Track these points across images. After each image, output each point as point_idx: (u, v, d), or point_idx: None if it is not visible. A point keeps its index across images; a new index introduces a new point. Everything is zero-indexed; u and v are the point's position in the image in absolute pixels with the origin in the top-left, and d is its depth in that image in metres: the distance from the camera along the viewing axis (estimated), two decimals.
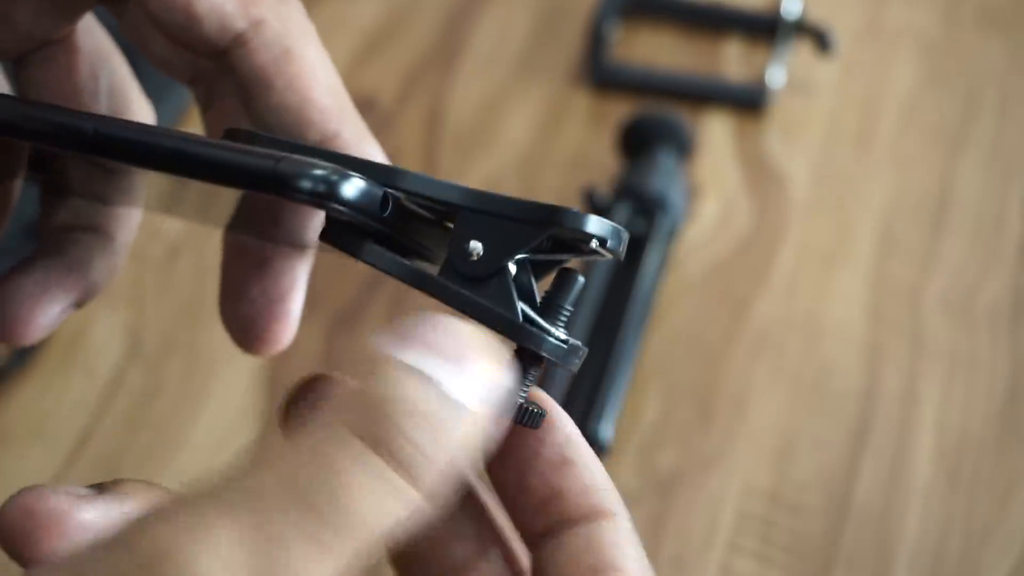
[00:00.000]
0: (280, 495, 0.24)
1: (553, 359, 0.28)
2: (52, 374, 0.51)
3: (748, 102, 0.61)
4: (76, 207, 0.35)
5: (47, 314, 0.33)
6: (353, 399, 0.24)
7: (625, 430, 0.50)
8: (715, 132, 0.61)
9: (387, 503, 0.23)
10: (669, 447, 0.49)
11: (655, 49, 0.64)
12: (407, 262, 0.29)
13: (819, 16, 0.64)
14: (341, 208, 0.28)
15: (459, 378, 0.24)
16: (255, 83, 0.33)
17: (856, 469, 0.49)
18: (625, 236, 0.29)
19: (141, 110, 0.36)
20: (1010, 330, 0.54)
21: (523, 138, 0.60)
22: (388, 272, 0.29)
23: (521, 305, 0.28)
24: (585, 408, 0.48)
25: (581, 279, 0.29)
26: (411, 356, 0.24)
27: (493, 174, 0.58)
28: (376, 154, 0.34)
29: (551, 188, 0.58)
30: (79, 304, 0.34)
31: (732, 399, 0.51)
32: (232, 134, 0.31)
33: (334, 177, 0.28)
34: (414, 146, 0.60)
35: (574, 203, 0.57)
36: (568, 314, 0.29)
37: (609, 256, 0.28)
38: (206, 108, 0.35)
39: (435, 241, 0.31)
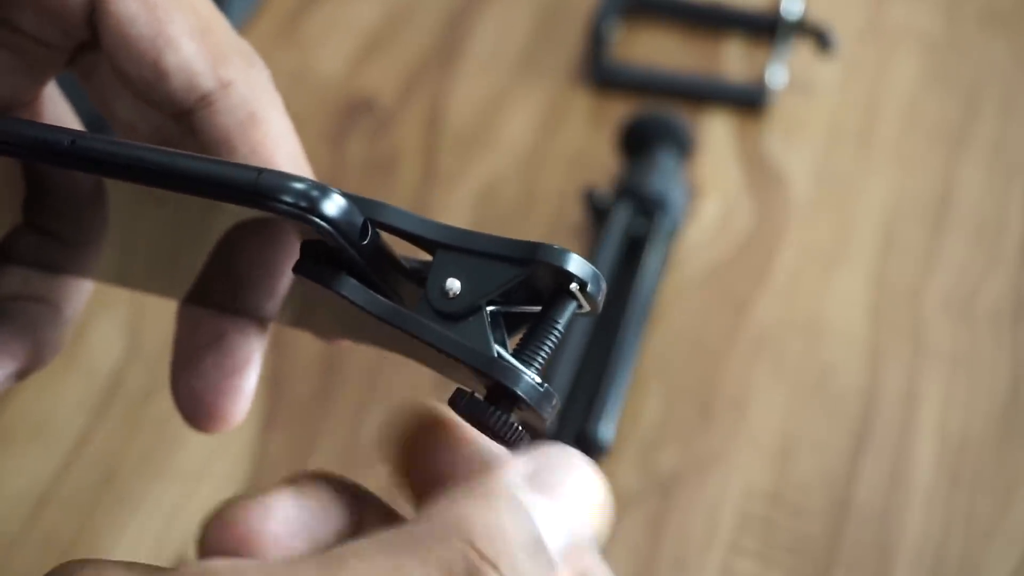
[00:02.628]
0: None
1: (527, 399, 0.28)
2: (52, 374, 0.51)
3: (748, 102, 0.61)
4: (25, 276, 0.34)
5: None
6: (475, 521, 0.26)
7: (625, 430, 0.49)
8: (715, 132, 0.61)
9: None
10: (669, 447, 0.49)
11: (655, 49, 0.64)
12: (382, 298, 0.29)
13: (820, 16, 0.64)
14: (321, 223, 0.27)
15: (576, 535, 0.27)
16: (218, 147, 0.32)
17: (857, 469, 0.49)
18: (603, 284, 0.28)
19: None
20: (1011, 330, 0.53)
21: (523, 138, 0.60)
22: (363, 308, 0.29)
23: (497, 348, 0.28)
24: (585, 408, 0.48)
25: (558, 329, 0.28)
26: (542, 505, 0.27)
27: (493, 174, 0.58)
28: None
29: (551, 188, 0.58)
30: (21, 375, 0.33)
31: (732, 399, 0.51)
32: None
33: (315, 192, 0.27)
34: (414, 146, 0.60)
35: (574, 203, 0.57)
36: (542, 361, 0.28)
37: (586, 308, 0.28)
38: None
39: (408, 293, 0.30)
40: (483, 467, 0.29)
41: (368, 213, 0.29)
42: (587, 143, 0.60)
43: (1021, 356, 0.53)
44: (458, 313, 0.28)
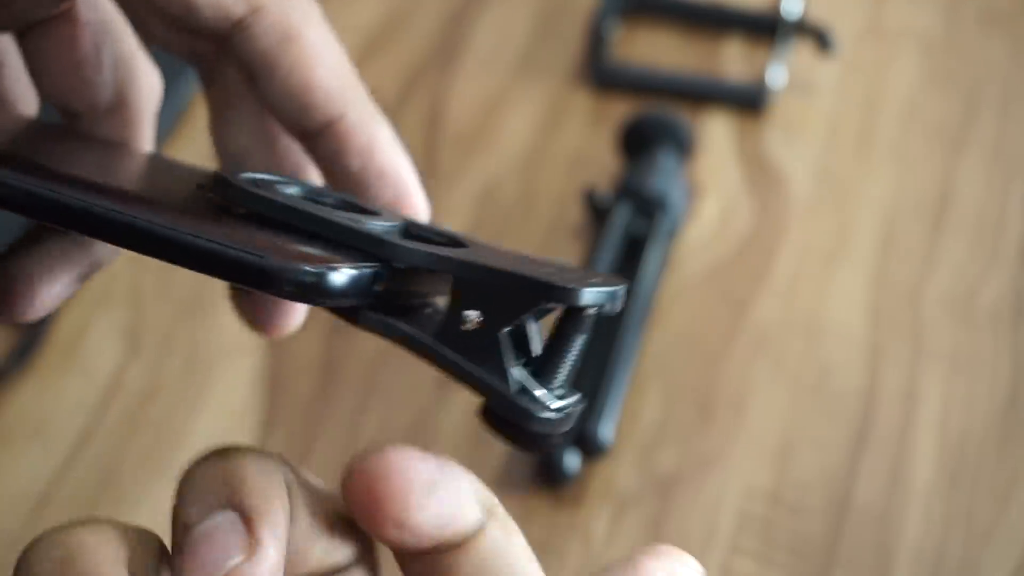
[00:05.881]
0: None
1: (542, 432, 0.29)
2: (51, 374, 0.51)
3: (748, 102, 0.61)
4: None
5: (51, 290, 0.32)
6: None
7: (625, 430, 0.49)
8: (715, 132, 0.61)
9: None
10: (669, 447, 0.49)
11: (655, 49, 0.64)
12: (404, 325, 0.29)
13: (820, 16, 0.64)
14: (330, 302, 0.28)
15: None
16: (257, 68, 0.32)
17: (857, 469, 0.49)
18: (622, 294, 0.29)
19: (148, 79, 0.35)
20: (1011, 330, 0.53)
21: (523, 138, 0.60)
22: (385, 336, 0.29)
23: (515, 371, 0.29)
24: (585, 408, 0.48)
25: (578, 347, 0.29)
26: None
27: (493, 174, 0.58)
28: (383, 134, 0.33)
29: (551, 188, 0.58)
30: (83, 278, 0.33)
31: (732, 399, 0.51)
32: (219, 182, 0.30)
33: (317, 274, 0.27)
34: (414, 146, 0.59)
35: (574, 203, 0.57)
36: (564, 378, 0.29)
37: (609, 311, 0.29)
38: (208, 85, 0.35)
39: (434, 281, 0.31)
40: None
41: (379, 255, 0.29)
42: (587, 143, 0.60)
43: (1021, 356, 0.53)
44: (478, 341, 0.28)
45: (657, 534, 0.47)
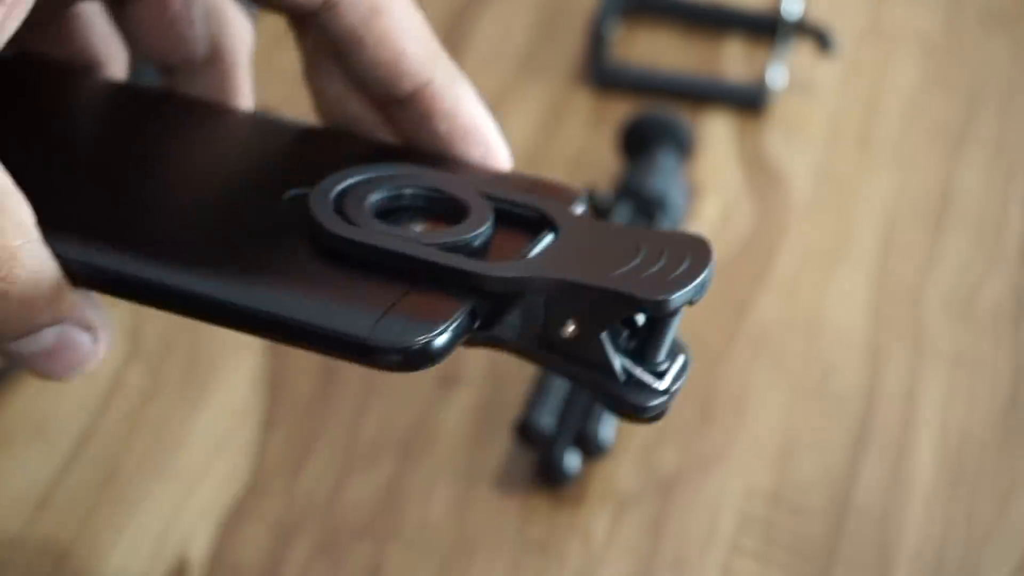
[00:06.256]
0: None
1: (660, 411, 0.31)
2: None
3: (749, 102, 0.61)
4: None
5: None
6: None
7: (625, 430, 0.49)
8: (716, 132, 0.61)
9: None
10: (669, 447, 0.49)
11: (655, 49, 0.64)
12: (511, 337, 0.31)
13: (820, 16, 0.64)
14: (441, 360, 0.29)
15: None
16: (347, 42, 0.34)
17: (857, 470, 0.49)
18: (709, 275, 0.31)
19: (240, 29, 0.37)
20: (1012, 330, 0.53)
21: (523, 138, 0.60)
22: (504, 348, 0.31)
23: (620, 363, 0.31)
24: (585, 408, 0.48)
25: (673, 330, 0.32)
26: None
27: None
28: (467, 94, 0.35)
29: None
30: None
31: (732, 399, 0.51)
32: (307, 220, 0.31)
33: (423, 346, 0.29)
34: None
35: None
36: (669, 344, 0.32)
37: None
38: (302, 38, 0.36)
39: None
40: None
41: (475, 286, 0.30)
42: (587, 143, 0.60)
43: (1022, 356, 0.53)
44: (580, 346, 0.30)
45: (657, 534, 0.47)
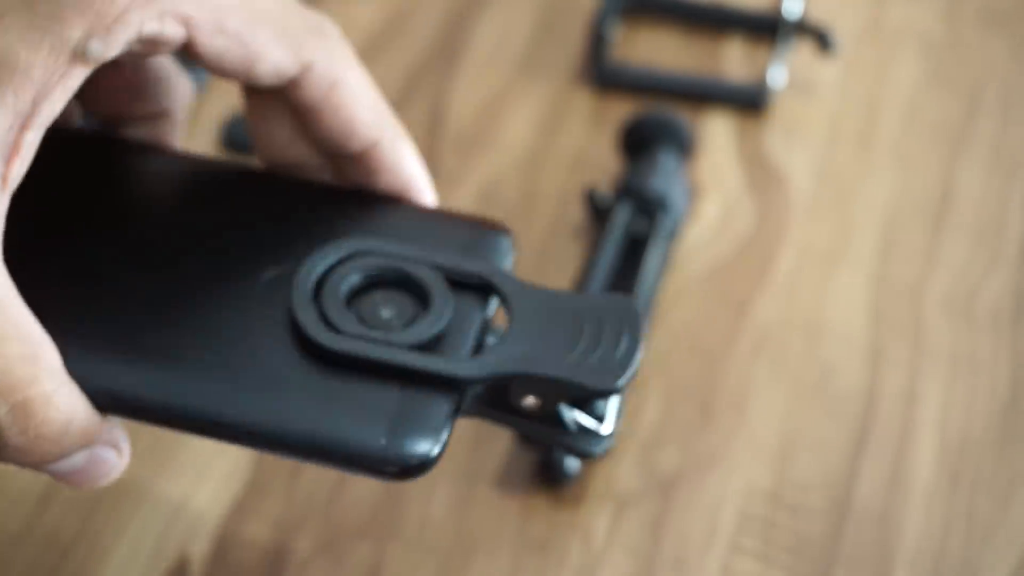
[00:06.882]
0: None
1: (607, 450, 0.37)
2: None
3: (749, 102, 0.61)
4: None
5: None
6: None
7: (625, 430, 0.50)
8: (716, 132, 0.61)
9: None
10: (669, 447, 0.49)
11: (656, 49, 0.64)
12: (490, 414, 0.36)
13: (820, 16, 0.64)
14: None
15: None
16: (307, 113, 0.38)
17: (857, 469, 0.49)
18: (641, 350, 0.36)
19: (184, 87, 0.41)
20: (1012, 330, 0.53)
21: (524, 138, 0.60)
22: (464, 416, 0.36)
23: (571, 416, 0.36)
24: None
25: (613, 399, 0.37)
26: None
27: (494, 174, 0.58)
28: (407, 152, 0.39)
29: (552, 188, 0.58)
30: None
31: (733, 399, 0.51)
32: (297, 327, 0.36)
33: (421, 458, 0.34)
34: (415, 146, 0.59)
35: (575, 203, 0.57)
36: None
37: None
38: (249, 95, 0.40)
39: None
40: None
41: (459, 387, 0.35)
42: (588, 143, 0.60)
43: (1021, 356, 0.53)
44: (540, 414, 0.36)
45: (657, 534, 0.47)
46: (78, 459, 0.35)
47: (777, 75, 0.62)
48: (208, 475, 0.48)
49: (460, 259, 0.37)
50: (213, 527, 0.46)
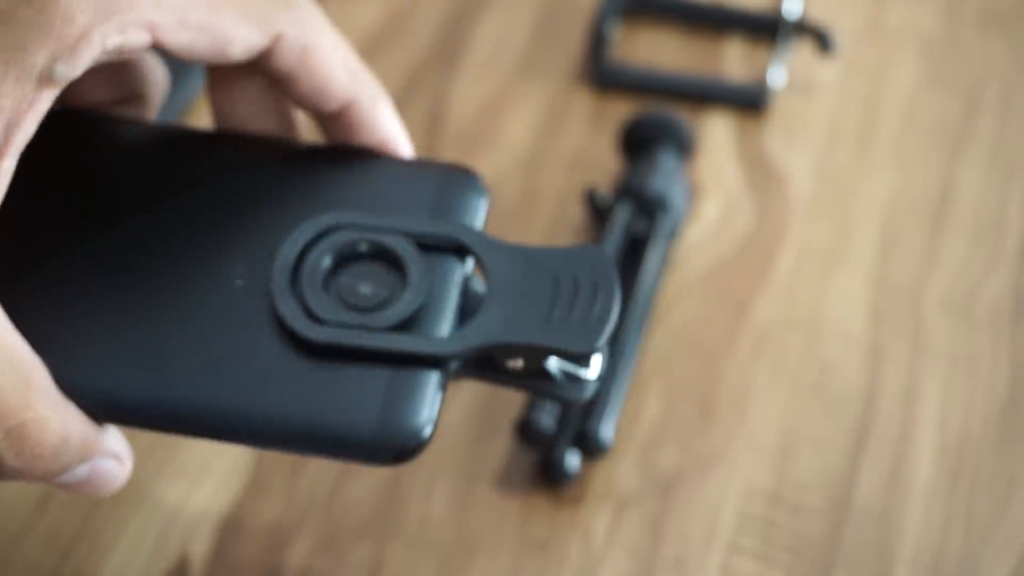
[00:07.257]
0: None
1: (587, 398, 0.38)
2: None
3: (749, 102, 0.61)
4: None
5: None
6: None
7: (625, 430, 0.50)
8: (716, 132, 0.61)
9: None
10: (669, 447, 0.49)
11: (656, 49, 0.64)
12: (478, 375, 0.37)
13: (820, 16, 0.64)
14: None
15: None
16: (282, 80, 0.39)
17: (857, 469, 0.49)
18: (618, 304, 0.36)
19: (159, 76, 0.41)
20: (1011, 330, 0.53)
21: (524, 138, 0.60)
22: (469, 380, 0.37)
23: (558, 372, 0.37)
24: (585, 408, 0.48)
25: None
26: None
27: (494, 174, 0.58)
28: (384, 109, 0.40)
29: (552, 188, 0.58)
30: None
31: (732, 399, 0.51)
32: (283, 325, 0.36)
33: (416, 441, 0.34)
34: (415, 146, 0.59)
35: (575, 203, 0.57)
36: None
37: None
38: (213, 68, 0.41)
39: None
40: None
41: (445, 364, 0.35)
42: (588, 143, 0.60)
43: (1021, 356, 0.53)
44: (525, 373, 0.37)
45: (657, 534, 0.47)
46: (80, 472, 0.36)
47: (777, 75, 0.62)
48: (208, 475, 0.48)
49: (430, 223, 0.37)
50: (213, 527, 0.46)
